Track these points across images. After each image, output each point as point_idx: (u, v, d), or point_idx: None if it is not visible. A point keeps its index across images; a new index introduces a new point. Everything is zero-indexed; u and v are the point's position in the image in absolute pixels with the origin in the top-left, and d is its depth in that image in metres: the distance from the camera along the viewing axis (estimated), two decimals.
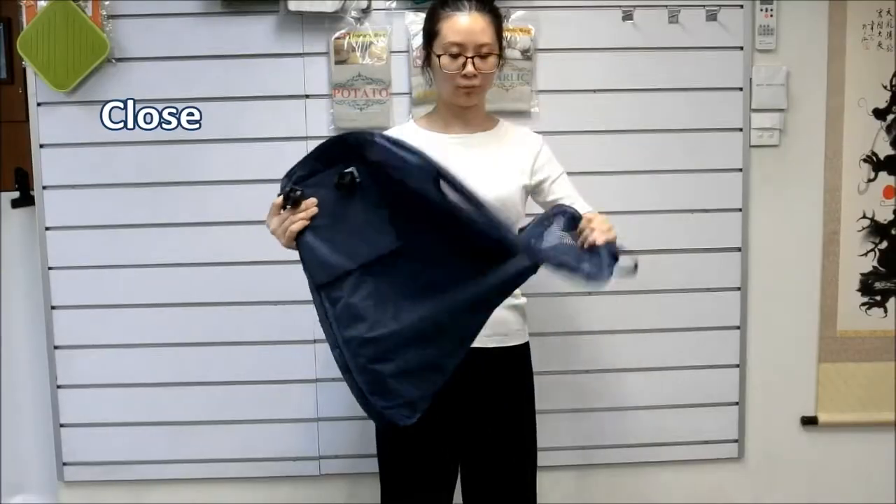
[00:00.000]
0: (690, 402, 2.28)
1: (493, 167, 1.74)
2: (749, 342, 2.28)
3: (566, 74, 2.16)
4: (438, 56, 1.69)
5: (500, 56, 1.74)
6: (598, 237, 1.48)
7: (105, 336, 2.19)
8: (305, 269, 1.48)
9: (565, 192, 1.79)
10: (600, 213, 2.14)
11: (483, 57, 1.68)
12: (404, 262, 1.44)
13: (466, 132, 1.76)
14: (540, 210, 1.78)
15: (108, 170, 2.14)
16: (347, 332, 1.41)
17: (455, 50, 1.67)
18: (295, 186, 1.47)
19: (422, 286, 1.43)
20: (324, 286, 1.45)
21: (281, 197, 1.49)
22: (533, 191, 1.79)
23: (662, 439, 2.29)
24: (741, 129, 2.21)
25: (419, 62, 2.07)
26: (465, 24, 1.67)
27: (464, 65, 1.67)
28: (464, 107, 1.73)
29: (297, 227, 1.48)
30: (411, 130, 1.77)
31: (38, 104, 2.12)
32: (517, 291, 1.73)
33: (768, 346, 2.29)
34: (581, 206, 1.76)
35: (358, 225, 1.46)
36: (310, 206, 1.48)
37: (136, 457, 2.24)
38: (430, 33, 1.72)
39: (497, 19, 1.73)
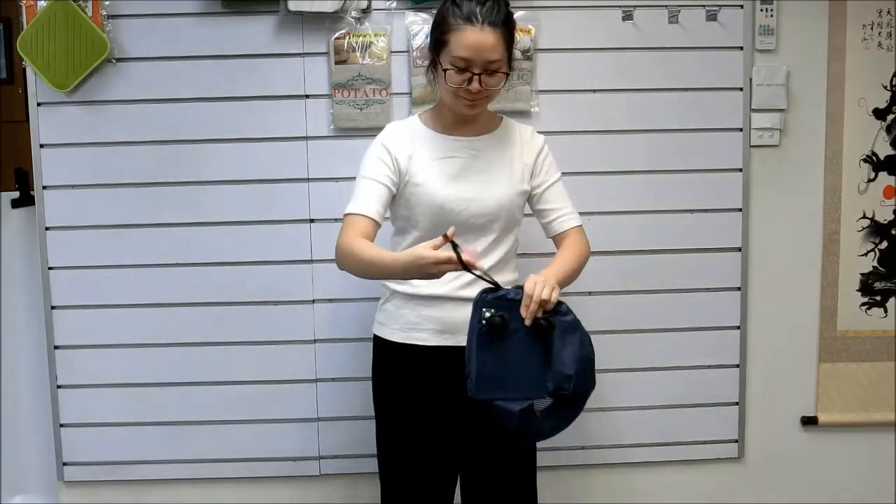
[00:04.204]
0: (690, 402, 2.28)
1: (497, 173, 1.73)
2: (749, 342, 2.28)
3: (566, 74, 2.16)
4: (445, 70, 1.63)
5: (509, 71, 1.68)
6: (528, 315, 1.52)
7: (105, 336, 2.19)
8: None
9: (558, 203, 1.78)
10: (599, 213, 2.17)
11: (491, 73, 1.62)
12: None
13: (470, 135, 1.74)
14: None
15: (108, 170, 2.14)
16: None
17: (462, 64, 1.60)
18: (501, 314, 1.54)
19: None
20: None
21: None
22: (528, 194, 1.79)
23: (662, 439, 2.29)
24: (741, 129, 2.21)
25: (419, 62, 2.07)
26: (475, 41, 1.59)
27: (469, 80, 1.62)
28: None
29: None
30: (414, 126, 1.76)
31: (38, 104, 2.12)
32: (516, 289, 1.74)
33: (768, 346, 2.29)
34: (570, 219, 1.77)
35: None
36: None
37: (136, 457, 2.24)
38: (438, 41, 1.65)
39: (509, 32, 1.64)
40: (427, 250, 1.46)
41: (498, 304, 1.54)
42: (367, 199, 1.67)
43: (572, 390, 1.52)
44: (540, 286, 1.52)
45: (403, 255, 1.51)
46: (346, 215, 1.68)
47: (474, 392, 1.54)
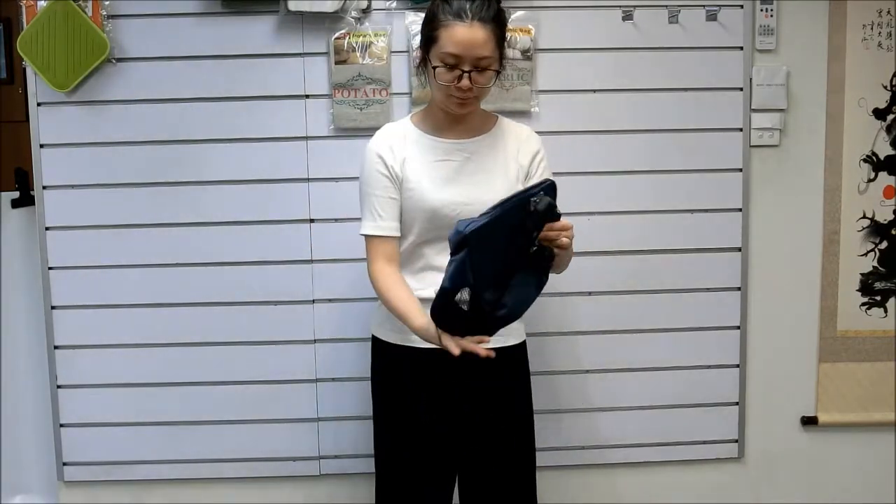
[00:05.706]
0: (690, 402, 2.28)
1: (490, 175, 1.71)
2: (749, 342, 2.28)
3: (566, 74, 2.16)
4: (434, 67, 1.62)
5: (500, 69, 1.66)
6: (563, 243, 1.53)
7: (105, 336, 2.19)
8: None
9: None
10: (599, 213, 2.18)
11: (481, 70, 1.61)
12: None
13: (463, 136, 1.73)
14: None
15: (108, 170, 2.14)
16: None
17: (452, 61, 1.59)
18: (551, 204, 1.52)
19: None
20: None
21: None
22: None
23: (662, 439, 2.29)
24: (741, 129, 2.21)
25: (417, 62, 2.07)
26: (464, 36, 1.57)
27: (459, 78, 1.60)
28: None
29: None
30: (406, 129, 1.75)
31: (38, 104, 2.12)
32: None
33: (768, 346, 2.29)
34: None
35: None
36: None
37: (136, 457, 2.24)
38: (428, 38, 1.64)
39: (500, 28, 1.62)
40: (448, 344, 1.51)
41: (552, 200, 1.52)
42: (382, 217, 1.69)
43: (494, 317, 1.53)
44: (572, 234, 1.55)
45: (425, 326, 1.57)
46: (366, 237, 1.71)
47: (462, 226, 1.46)
